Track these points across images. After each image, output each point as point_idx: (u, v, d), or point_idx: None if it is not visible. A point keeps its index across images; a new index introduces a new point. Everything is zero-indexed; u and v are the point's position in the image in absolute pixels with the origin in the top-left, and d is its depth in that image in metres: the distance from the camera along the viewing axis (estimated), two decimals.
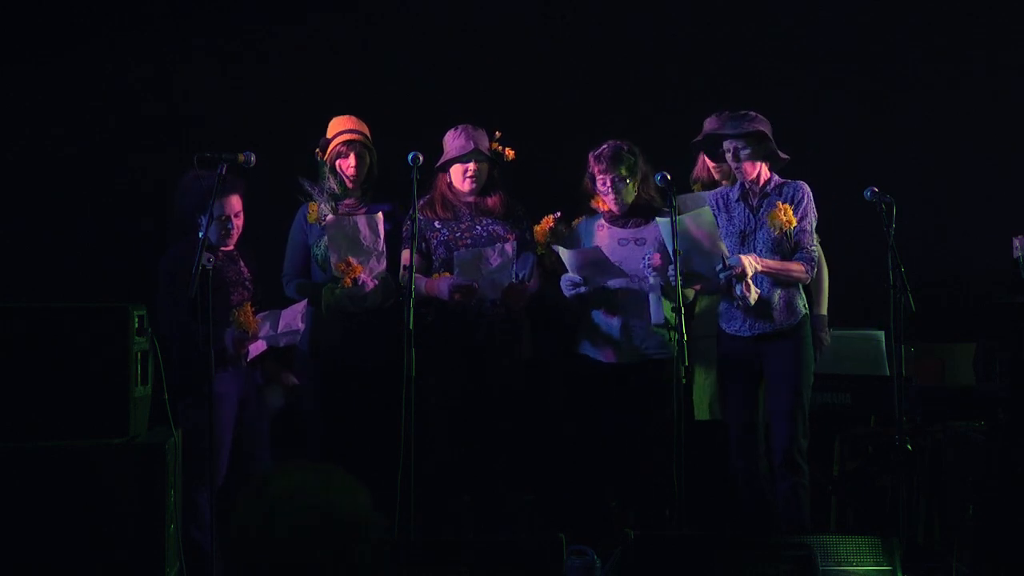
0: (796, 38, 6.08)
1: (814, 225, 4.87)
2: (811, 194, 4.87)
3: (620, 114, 5.82)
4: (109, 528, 3.91)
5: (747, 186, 4.88)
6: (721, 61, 6.04)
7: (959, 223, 6.01)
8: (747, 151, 4.81)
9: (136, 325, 4.06)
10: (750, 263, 4.72)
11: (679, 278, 4.58)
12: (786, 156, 4.89)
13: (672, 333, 4.90)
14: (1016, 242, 4.96)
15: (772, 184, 4.88)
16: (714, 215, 4.82)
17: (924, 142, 6.04)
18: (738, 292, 4.73)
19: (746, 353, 4.87)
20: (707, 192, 5.12)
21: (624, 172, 4.98)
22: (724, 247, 4.74)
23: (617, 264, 4.90)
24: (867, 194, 4.67)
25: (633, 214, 5.06)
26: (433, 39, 5.95)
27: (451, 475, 4.95)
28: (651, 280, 4.89)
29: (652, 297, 4.89)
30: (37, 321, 4.00)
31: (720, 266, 4.70)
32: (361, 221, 4.87)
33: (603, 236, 5.05)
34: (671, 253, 4.62)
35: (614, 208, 5.04)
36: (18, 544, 3.86)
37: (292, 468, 2.08)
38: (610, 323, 5.00)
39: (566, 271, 4.92)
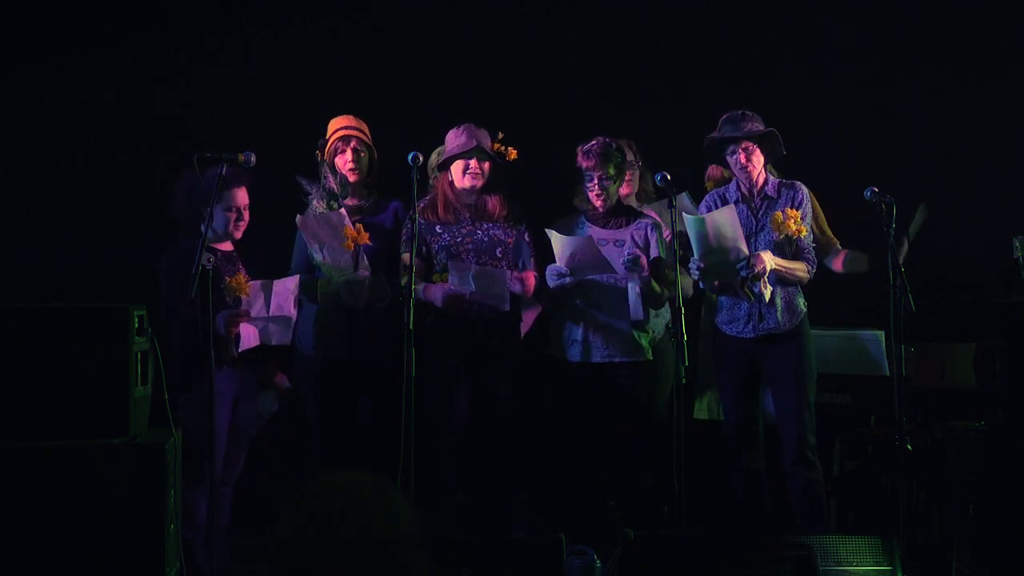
0: (797, 38, 6.08)
1: (811, 223, 4.90)
2: (808, 192, 4.88)
3: (619, 114, 5.82)
4: (109, 528, 3.90)
5: (747, 188, 4.88)
6: (721, 61, 6.03)
7: (959, 223, 6.01)
8: (756, 153, 4.82)
9: (136, 325, 4.06)
10: (770, 259, 4.72)
11: (679, 275, 4.58)
12: (784, 152, 4.90)
13: (647, 334, 4.93)
14: (1016, 242, 4.95)
15: (770, 185, 4.89)
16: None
17: (925, 142, 6.05)
18: (756, 289, 4.74)
19: (746, 354, 4.88)
20: (684, 194, 5.15)
21: (612, 171, 4.95)
22: (744, 243, 4.74)
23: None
24: (867, 194, 4.67)
25: (615, 215, 5.04)
26: (433, 39, 5.95)
27: (451, 475, 4.95)
28: (633, 276, 4.87)
29: (632, 293, 4.85)
30: (37, 321, 3.99)
31: (743, 263, 4.70)
32: (346, 217, 4.85)
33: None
34: (694, 250, 4.64)
35: (598, 205, 5.00)
36: (18, 544, 3.86)
37: (335, 480, 2.03)
38: (581, 326, 4.97)
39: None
